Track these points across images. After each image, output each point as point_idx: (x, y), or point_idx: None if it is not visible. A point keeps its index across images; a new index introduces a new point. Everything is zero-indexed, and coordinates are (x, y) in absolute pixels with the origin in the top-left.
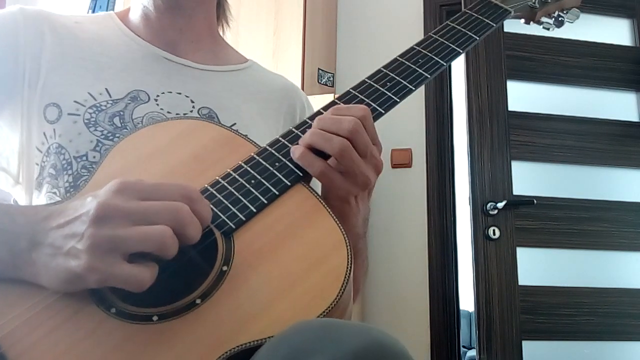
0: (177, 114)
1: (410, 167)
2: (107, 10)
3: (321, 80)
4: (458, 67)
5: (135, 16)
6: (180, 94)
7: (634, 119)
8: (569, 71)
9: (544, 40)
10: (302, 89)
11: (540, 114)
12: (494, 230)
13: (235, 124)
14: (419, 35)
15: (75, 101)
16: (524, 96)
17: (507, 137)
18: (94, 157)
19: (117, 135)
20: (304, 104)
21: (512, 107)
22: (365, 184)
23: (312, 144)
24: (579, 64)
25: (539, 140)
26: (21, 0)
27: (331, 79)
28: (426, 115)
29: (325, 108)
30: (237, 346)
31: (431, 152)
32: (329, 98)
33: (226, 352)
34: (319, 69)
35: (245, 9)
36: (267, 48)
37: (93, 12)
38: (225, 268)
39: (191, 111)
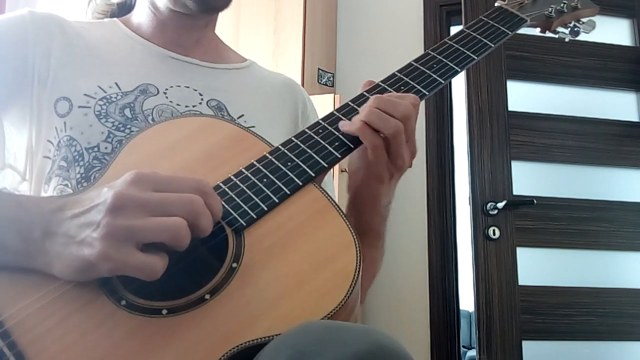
0: (186, 106)
1: (410, 167)
2: None
3: (321, 80)
4: None
5: (142, 21)
6: (188, 87)
7: (634, 119)
8: (569, 71)
9: (544, 40)
10: None
11: (540, 114)
12: (494, 230)
13: (243, 115)
14: (419, 35)
15: (85, 94)
16: (524, 96)
17: (507, 137)
18: (106, 148)
19: (128, 126)
20: (305, 99)
21: (512, 107)
22: (401, 166)
23: (369, 122)
24: (579, 64)
25: (539, 140)
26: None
27: (331, 79)
28: (426, 115)
29: (369, 91)
30: (244, 342)
31: (431, 152)
32: (329, 98)
33: (233, 349)
34: (319, 69)
35: (245, 9)
36: (267, 48)
37: None
38: (234, 265)
39: (200, 103)
